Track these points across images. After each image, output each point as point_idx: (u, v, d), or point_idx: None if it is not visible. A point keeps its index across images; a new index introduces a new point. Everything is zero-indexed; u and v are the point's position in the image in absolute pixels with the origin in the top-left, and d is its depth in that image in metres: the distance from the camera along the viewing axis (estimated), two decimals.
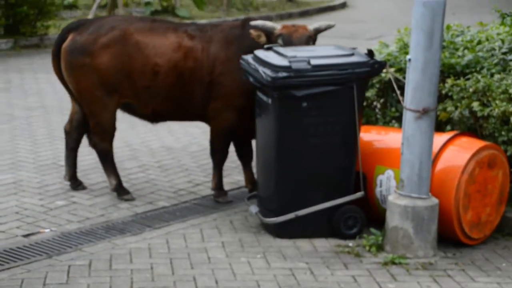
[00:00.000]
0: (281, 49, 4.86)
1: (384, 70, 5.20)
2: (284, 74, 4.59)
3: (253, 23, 5.11)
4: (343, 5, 16.74)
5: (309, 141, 4.71)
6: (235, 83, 5.12)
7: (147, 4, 13.90)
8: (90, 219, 5.06)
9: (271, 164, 4.79)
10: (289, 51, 4.82)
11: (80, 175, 5.87)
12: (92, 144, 5.42)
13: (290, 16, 15.05)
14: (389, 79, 5.33)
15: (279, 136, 4.71)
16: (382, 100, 5.66)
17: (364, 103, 5.40)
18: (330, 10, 16.18)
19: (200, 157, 6.45)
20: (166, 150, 6.40)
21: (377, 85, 5.58)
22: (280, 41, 5.05)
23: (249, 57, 4.88)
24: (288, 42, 5.03)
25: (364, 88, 4.86)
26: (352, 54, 4.80)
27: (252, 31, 5.07)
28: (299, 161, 4.73)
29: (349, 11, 16.28)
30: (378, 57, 5.45)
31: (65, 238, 4.76)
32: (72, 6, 13.36)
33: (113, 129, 5.36)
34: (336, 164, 4.77)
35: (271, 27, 5.09)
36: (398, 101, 5.40)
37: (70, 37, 5.24)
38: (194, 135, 6.98)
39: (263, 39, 5.07)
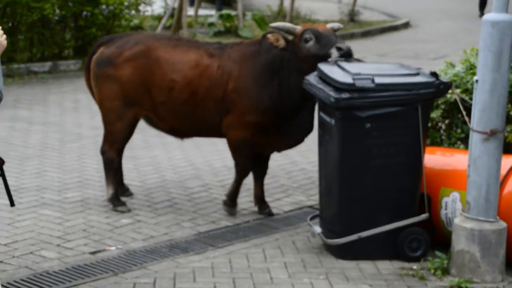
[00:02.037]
0: (346, 64, 4.81)
1: (450, 91, 5.12)
2: (347, 95, 4.56)
3: (272, 25, 5.11)
4: (406, 25, 16.59)
5: (373, 162, 4.66)
6: (247, 99, 5.15)
7: (211, 25, 14.08)
8: (154, 238, 5.12)
9: (334, 185, 4.77)
10: (354, 67, 4.77)
11: (144, 193, 5.96)
12: (101, 151, 5.60)
13: (352, 36, 15.00)
14: (455, 100, 5.25)
15: (342, 157, 4.68)
16: (447, 121, 5.57)
17: (429, 124, 5.33)
18: (393, 30, 16.06)
19: None
20: (228, 169, 6.43)
21: (443, 106, 5.50)
22: (308, 35, 4.96)
23: (312, 76, 4.86)
24: (318, 33, 4.97)
25: (429, 109, 4.80)
26: (417, 74, 4.74)
27: (269, 36, 5.02)
28: (362, 182, 4.69)
29: (412, 31, 16.13)
30: (444, 77, 5.37)
31: (130, 256, 4.83)
32: (138, 28, 13.62)
33: (124, 140, 5.53)
34: (400, 185, 4.71)
35: (292, 27, 5.06)
36: (464, 122, 5.31)
37: (99, 50, 5.49)
38: None
39: (281, 42, 5.01)
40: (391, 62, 5.15)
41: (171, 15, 13.48)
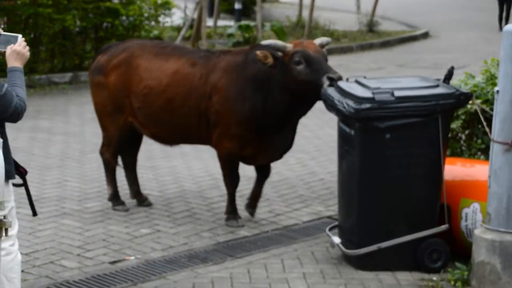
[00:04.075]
0: (365, 81, 4.82)
1: (470, 102, 5.10)
2: (367, 105, 4.55)
3: (264, 42, 5.09)
4: (425, 35, 16.53)
5: (392, 172, 4.64)
6: (232, 111, 5.14)
7: (230, 35, 14.12)
8: (174, 247, 5.13)
9: (353, 195, 4.75)
10: (373, 82, 4.78)
11: (163, 203, 5.97)
12: (100, 153, 5.81)
13: (371, 46, 14.97)
14: (475, 111, 5.22)
15: (361, 167, 4.67)
16: (467, 132, 5.54)
17: (449, 135, 5.30)
18: (412, 40, 16.01)
19: (281, 187, 6.46)
20: (247, 179, 6.43)
21: (463, 117, 5.47)
22: (298, 58, 4.91)
23: (330, 89, 4.85)
24: (309, 58, 4.90)
25: (449, 120, 4.78)
26: (437, 86, 4.72)
27: (258, 52, 4.97)
28: (382, 193, 4.67)
29: (431, 41, 16.07)
30: (464, 88, 5.35)
31: (149, 265, 4.84)
32: (157, 38, 13.71)
33: (118, 144, 5.67)
34: (420, 196, 4.68)
35: (283, 45, 5.00)
36: (484, 133, 5.27)
37: (97, 58, 5.68)
38: (275, 164, 6.98)
39: (270, 60, 4.96)
40: (411, 76, 5.14)
41: (191, 26, 13.55)
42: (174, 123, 5.37)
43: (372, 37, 15.64)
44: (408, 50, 14.83)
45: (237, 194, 5.61)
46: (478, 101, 5.18)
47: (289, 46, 4.99)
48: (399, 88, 4.67)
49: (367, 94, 4.60)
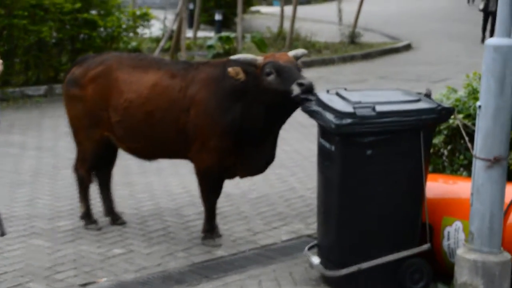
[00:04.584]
0: (345, 93, 4.73)
1: (452, 116, 5.02)
2: (348, 120, 4.46)
3: (233, 57, 5.01)
4: (407, 47, 16.57)
5: (373, 189, 4.54)
6: (210, 124, 5.07)
7: (210, 47, 14.05)
8: (147, 268, 4.98)
9: (333, 212, 4.64)
10: (354, 95, 4.68)
11: (138, 221, 5.83)
12: (73, 169, 5.68)
13: (352, 58, 14.96)
14: (458, 126, 5.14)
15: (341, 183, 4.56)
16: (449, 147, 5.46)
17: (431, 150, 5.22)
18: (394, 52, 16.03)
19: (260, 205, 6.34)
20: (225, 196, 6.31)
21: (445, 132, 5.39)
22: (269, 69, 4.84)
23: (312, 103, 4.75)
24: (279, 68, 4.83)
25: (431, 135, 4.69)
26: (419, 100, 4.64)
27: (230, 69, 4.92)
28: (362, 210, 4.56)
29: (413, 53, 16.11)
30: (446, 102, 5.27)
31: None
32: (135, 50, 13.59)
33: (94, 159, 5.56)
34: (401, 214, 4.58)
35: (253, 59, 4.94)
36: (467, 149, 5.19)
37: (72, 70, 5.60)
38: (254, 180, 6.89)
39: (241, 76, 4.91)
40: (393, 88, 5.05)
41: (170, 37, 13.44)
42: (153, 137, 5.27)
43: (354, 49, 15.64)
44: (390, 62, 14.83)
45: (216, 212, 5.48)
46: (460, 116, 5.11)
47: (259, 59, 4.95)
48: (380, 102, 4.59)
49: (348, 108, 4.51)
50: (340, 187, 4.57)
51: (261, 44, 14.02)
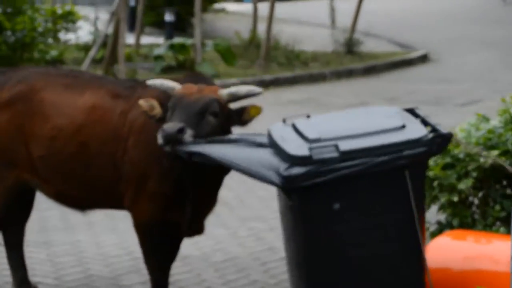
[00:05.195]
0: (304, 125, 4.70)
1: (485, 153, 5.13)
2: (301, 169, 4.43)
3: (149, 82, 5.06)
4: (423, 59, 16.81)
5: (349, 253, 4.56)
6: (147, 161, 5.11)
7: (158, 58, 14.17)
8: None
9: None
10: (314, 127, 4.68)
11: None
12: None
13: (350, 73, 15.16)
14: (491, 166, 5.27)
15: (307, 251, 4.57)
16: (481, 194, 5.58)
17: (456, 198, 5.32)
18: (406, 65, 16.26)
19: (227, 270, 6.39)
20: (181, 260, 6.35)
21: (474, 174, 5.51)
22: (171, 103, 4.90)
23: (263, 136, 4.79)
24: (178, 103, 4.87)
25: (422, 172, 4.68)
26: (403, 127, 4.66)
27: (141, 102, 4.96)
28: (339, 284, 4.58)
29: (432, 67, 16.31)
30: (475, 134, 5.38)
31: None
32: (56, 61, 13.67)
33: (2, 212, 5.50)
34: (394, 285, 4.61)
35: (171, 87, 4.99)
36: (505, 196, 5.32)
37: None
38: (219, 238, 6.95)
39: (157, 111, 4.95)
40: (374, 107, 5.07)
41: (103, 45, 13.55)
42: (88, 177, 5.31)
43: (352, 61, 15.84)
44: (400, 79, 15.02)
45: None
46: (495, 153, 5.23)
47: (176, 88, 4.97)
48: (348, 136, 4.57)
49: (302, 150, 4.49)
50: (304, 255, 4.57)
51: (227, 55, 14.18)
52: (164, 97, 5.13)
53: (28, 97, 5.41)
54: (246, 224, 7.13)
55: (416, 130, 4.62)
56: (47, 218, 7.19)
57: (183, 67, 14.12)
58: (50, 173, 5.38)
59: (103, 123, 5.27)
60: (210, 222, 6.70)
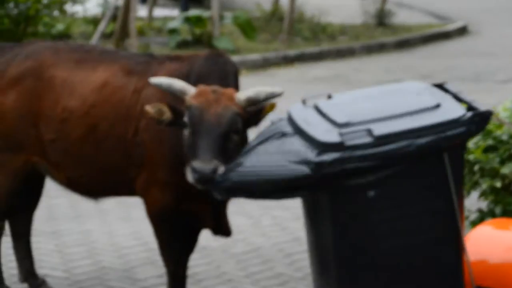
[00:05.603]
0: (328, 106, 4.68)
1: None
2: (333, 155, 4.44)
3: (153, 81, 4.95)
4: (461, 31, 16.75)
5: (384, 245, 4.58)
6: (161, 147, 5.12)
7: (172, 31, 14.15)
8: None
9: (331, 283, 4.68)
10: (340, 109, 4.65)
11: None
12: None
13: (382, 47, 15.12)
14: None
15: (338, 243, 4.57)
16: None
17: (499, 184, 5.31)
18: (443, 38, 16.21)
19: (250, 262, 6.43)
20: (199, 251, 6.39)
21: None
22: (186, 117, 4.83)
23: (283, 122, 4.76)
24: (194, 124, 4.80)
25: (461, 157, 4.68)
26: (438, 106, 4.64)
27: (148, 107, 4.88)
28: (372, 275, 4.59)
29: (471, 40, 16.27)
30: None
31: None
32: (63, 36, 13.70)
33: (9, 198, 5.51)
34: (431, 276, 4.62)
35: (181, 90, 4.89)
36: None
37: None
38: (240, 227, 6.97)
39: (167, 115, 4.88)
40: (398, 84, 5.05)
41: (114, 18, 13.57)
42: (100, 162, 5.32)
43: (383, 34, 15.80)
44: (436, 53, 14.99)
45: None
46: None
47: (189, 94, 4.87)
48: (379, 118, 4.56)
49: (331, 136, 4.48)
50: (335, 248, 4.57)
51: (247, 28, 14.15)
52: (181, 71, 5.13)
53: (38, 74, 5.41)
54: (269, 213, 7.15)
55: (452, 109, 4.60)
56: (56, 206, 7.24)
57: (199, 42, 14.12)
58: (61, 157, 5.39)
59: (113, 102, 5.27)
60: (231, 210, 6.74)
